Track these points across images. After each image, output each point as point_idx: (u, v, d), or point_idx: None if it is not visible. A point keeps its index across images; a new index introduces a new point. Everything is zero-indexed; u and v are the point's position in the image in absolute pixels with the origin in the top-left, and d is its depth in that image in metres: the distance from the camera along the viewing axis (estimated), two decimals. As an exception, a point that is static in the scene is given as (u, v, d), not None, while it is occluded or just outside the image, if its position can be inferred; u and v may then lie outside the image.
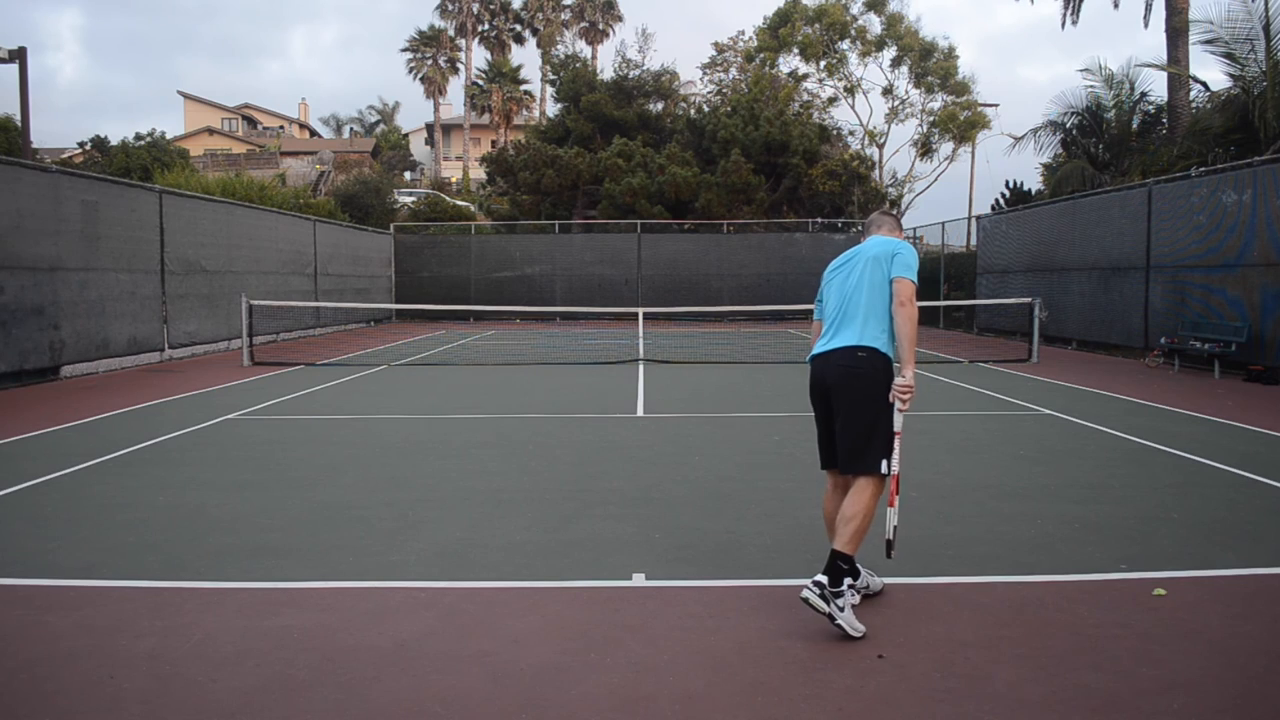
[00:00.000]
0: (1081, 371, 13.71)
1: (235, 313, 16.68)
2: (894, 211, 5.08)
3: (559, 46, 50.62)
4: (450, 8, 54.96)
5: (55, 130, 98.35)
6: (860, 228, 32.61)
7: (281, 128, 65.47)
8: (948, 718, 3.03)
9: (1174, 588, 4.22)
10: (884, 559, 4.08)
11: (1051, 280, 18.90)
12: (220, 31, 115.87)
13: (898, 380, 3.80)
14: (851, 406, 3.89)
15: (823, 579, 3.66)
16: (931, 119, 37.54)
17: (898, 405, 3.84)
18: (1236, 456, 7.21)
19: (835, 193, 33.23)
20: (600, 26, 55.94)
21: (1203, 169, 14.65)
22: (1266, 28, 16.72)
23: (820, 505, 4.27)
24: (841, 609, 3.62)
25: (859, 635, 3.61)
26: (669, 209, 32.24)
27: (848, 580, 3.71)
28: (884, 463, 3.83)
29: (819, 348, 4.09)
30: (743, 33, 47.95)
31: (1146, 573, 4.43)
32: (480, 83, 53.84)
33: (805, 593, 3.65)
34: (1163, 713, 3.05)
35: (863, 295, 3.93)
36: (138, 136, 36.95)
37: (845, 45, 38.53)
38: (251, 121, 65.04)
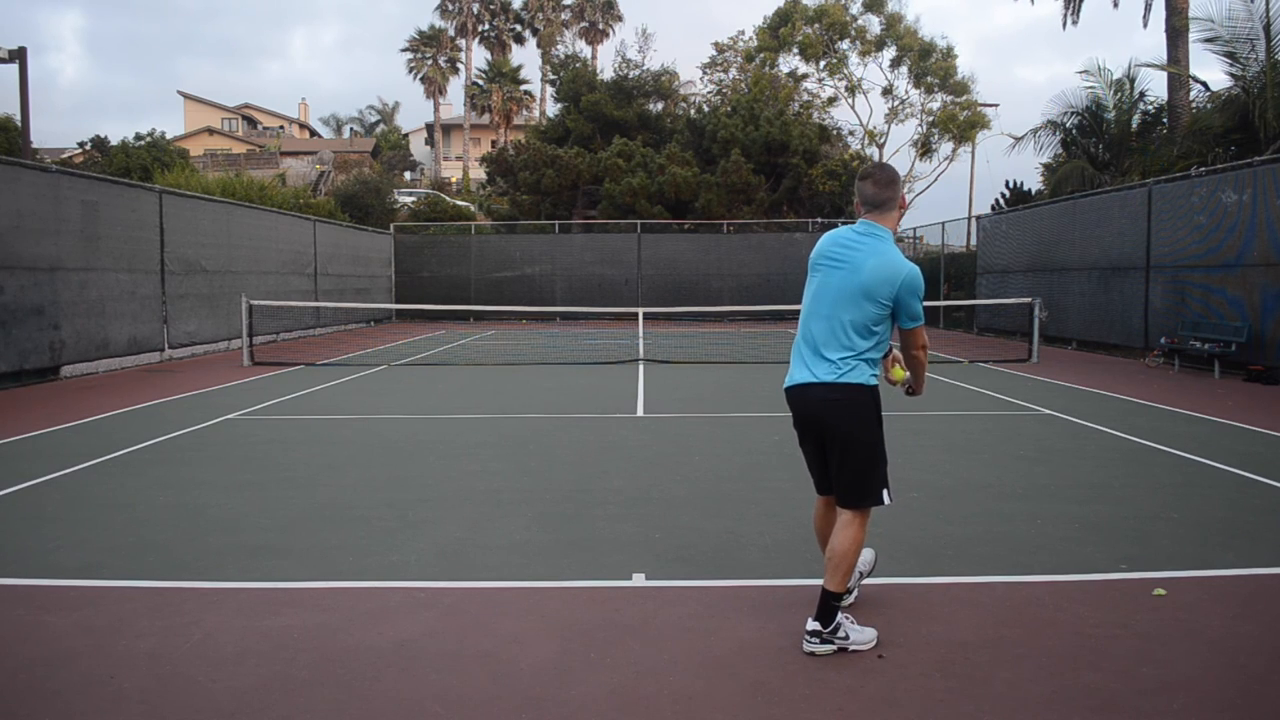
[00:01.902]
0: (1081, 371, 13.71)
1: (235, 313, 16.68)
2: (891, 171, 3.74)
3: (559, 46, 50.67)
4: (450, 8, 54.95)
5: (56, 130, 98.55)
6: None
7: (281, 128, 65.49)
8: (948, 718, 3.03)
9: (1174, 588, 4.22)
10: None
11: (1051, 280, 18.90)
12: (221, 32, 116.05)
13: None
14: (848, 440, 3.59)
15: (818, 626, 3.50)
16: (931, 119, 37.52)
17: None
18: (1236, 456, 7.21)
19: (835, 193, 33.23)
20: (600, 26, 55.94)
21: (1203, 169, 14.65)
22: (1267, 28, 16.72)
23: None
24: (846, 637, 3.52)
25: (873, 644, 3.56)
26: (669, 209, 32.24)
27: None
28: (885, 492, 3.62)
29: (795, 377, 3.72)
30: (743, 33, 47.95)
31: (1146, 573, 4.43)
32: (480, 83, 53.83)
33: (807, 648, 3.51)
34: (1163, 713, 3.05)
35: (849, 326, 3.60)
36: (138, 136, 36.94)
37: (845, 45, 38.51)
38: (251, 121, 65.05)
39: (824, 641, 3.50)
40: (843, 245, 3.69)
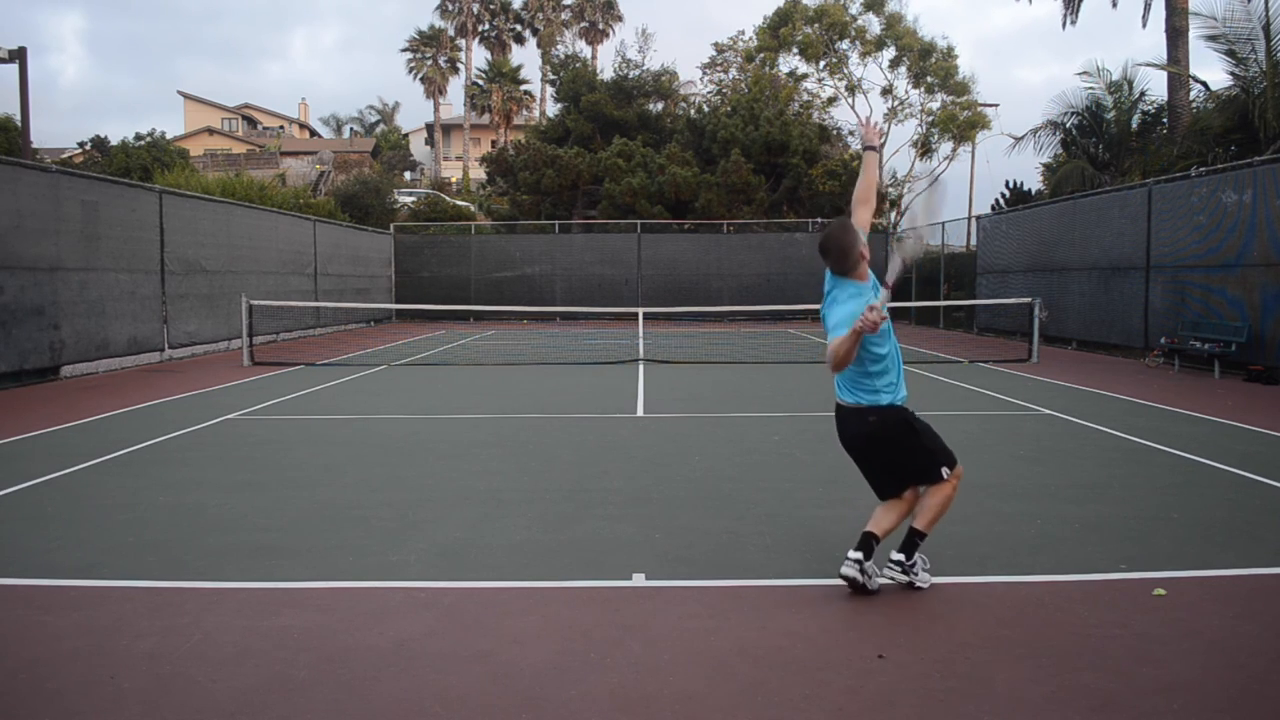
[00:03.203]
0: (1081, 371, 13.71)
1: (235, 313, 16.68)
2: (844, 240, 4.00)
3: (559, 46, 50.67)
4: (450, 8, 54.94)
5: (57, 131, 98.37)
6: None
7: (281, 128, 65.47)
8: (948, 718, 3.03)
9: (1174, 588, 4.22)
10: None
11: (1051, 280, 18.89)
12: (222, 34, 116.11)
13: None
14: (898, 451, 4.09)
15: (901, 557, 4.10)
16: (931, 119, 37.50)
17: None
18: (1236, 456, 7.21)
19: (835, 193, 33.19)
20: (600, 26, 55.93)
21: (1203, 169, 14.65)
22: (1266, 28, 16.73)
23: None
24: (918, 574, 4.16)
25: (928, 586, 4.17)
26: (669, 209, 32.23)
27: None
28: (945, 470, 4.07)
29: (840, 396, 4.13)
30: (742, 33, 47.96)
31: (1146, 573, 4.43)
32: (480, 83, 53.82)
33: (887, 573, 4.09)
34: (1163, 713, 3.05)
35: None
36: (138, 136, 36.93)
37: (845, 45, 38.49)
38: (251, 121, 65.04)
39: (903, 571, 4.10)
40: (830, 281, 4.14)
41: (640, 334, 16.51)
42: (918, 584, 4.14)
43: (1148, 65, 21.25)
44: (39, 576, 4.47)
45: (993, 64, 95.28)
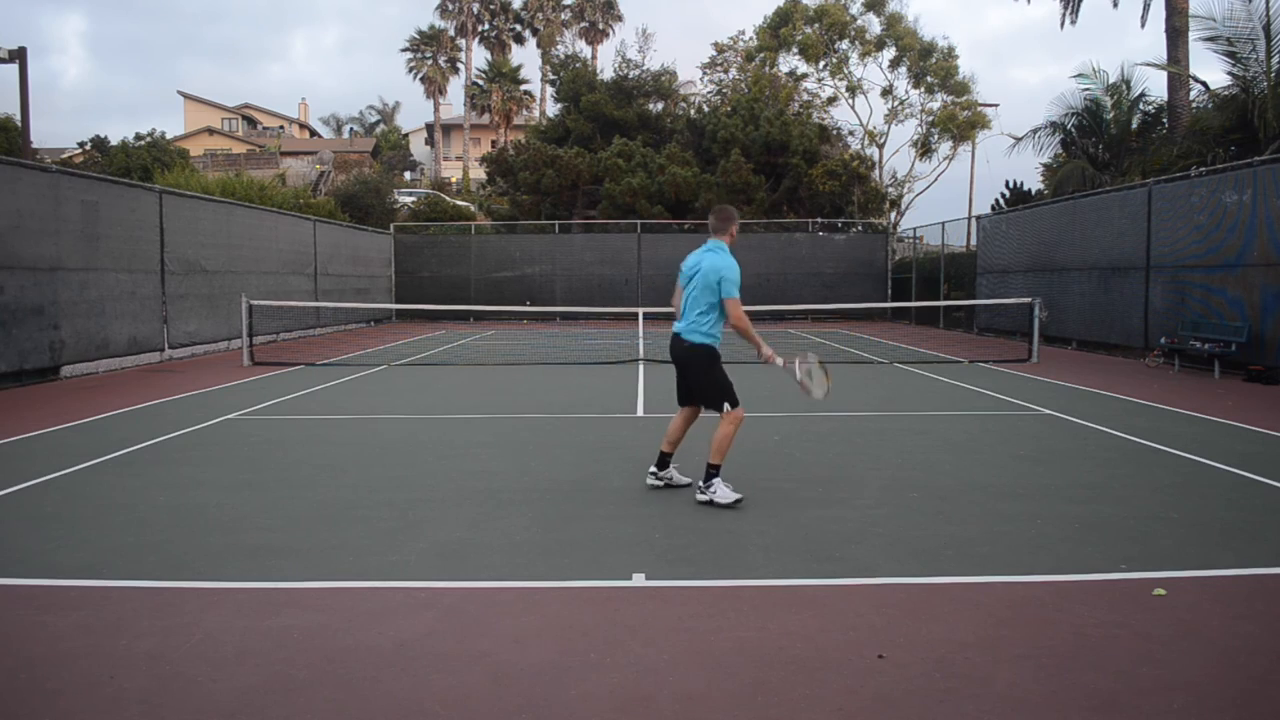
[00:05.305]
0: (1081, 371, 13.70)
1: (235, 313, 16.67)
2: (726, 211, 6.53)
3: (559, 46, 50.67)
4: (450, 8, 54.95)
5: (58, 131, 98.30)
6: (850, 226, 32.69)
7: (281, 128, 65.47)
8: (948, 718, 3.03)
9: (1174, 588, 4.22)
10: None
11: (1051, 280, 18.89)
12: (222, 35, 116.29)
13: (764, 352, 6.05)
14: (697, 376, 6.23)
15: (702, 484, 5.71)
16: (931, 119, 37.47)
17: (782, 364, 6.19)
18: (1236, 456, 7.21)
19: (835, 193, 33.20)
20: (600, 26, 55.94)
21: (1203, 169, 14.64)
22: (1267, 27, 16.74)
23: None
24: (715, 490, 5.63)
25: (729, 501, 5.59)
26: (669, 209, 32.22)
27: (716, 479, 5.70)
28: (725, 404, 5.88)
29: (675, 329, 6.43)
30: (743, 32, 47.96)
31: (1146, 573, 4.43)
32: (480, 83, 53.83)
33: (699, 498, 5.69)
34: (1163, 713, 3.05)
35: (702, 303, 6.35)
36: (138, 136, 36.94)
37: (845, 45, 38.48)
38: (251, 121, 65.04)
39: (703, 492, 5.66)
40: (694, 259, 6.30)
41: (640, 334, 16.51)
42: (718, 499, 5.56)
43: (1148, 65, 21.28)
44: (39, 576, 4.47)
45: (989, 65, 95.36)
